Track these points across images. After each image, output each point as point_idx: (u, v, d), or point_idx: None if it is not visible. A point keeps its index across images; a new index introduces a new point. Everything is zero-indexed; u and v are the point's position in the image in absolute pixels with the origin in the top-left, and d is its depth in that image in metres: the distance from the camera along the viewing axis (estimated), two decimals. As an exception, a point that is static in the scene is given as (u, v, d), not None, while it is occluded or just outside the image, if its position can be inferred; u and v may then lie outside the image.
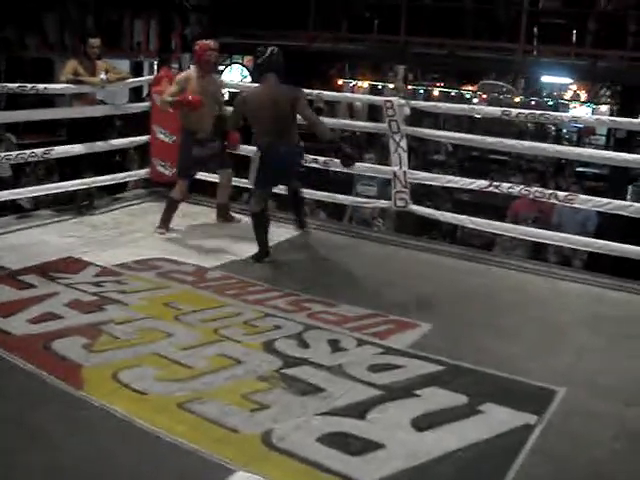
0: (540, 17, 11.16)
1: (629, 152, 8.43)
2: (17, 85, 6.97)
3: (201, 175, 7.91)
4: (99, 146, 7.62)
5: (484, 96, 16.45)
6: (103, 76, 7.29)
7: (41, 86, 6.98)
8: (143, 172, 8.18)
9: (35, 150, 7.13)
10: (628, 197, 11.13)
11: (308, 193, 7.42)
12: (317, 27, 11.81)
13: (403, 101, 6.77)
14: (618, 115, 11.48)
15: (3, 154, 7.40)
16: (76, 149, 7.23)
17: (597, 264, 7.19)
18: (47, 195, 7.36)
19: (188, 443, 3.41)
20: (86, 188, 7.37)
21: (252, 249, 6.21)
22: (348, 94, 14.51)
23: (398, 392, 3.98)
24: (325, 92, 8.40)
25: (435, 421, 3.70)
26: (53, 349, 4.29)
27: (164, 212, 6.89)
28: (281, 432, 3.53)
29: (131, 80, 8.57)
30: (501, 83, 15.31)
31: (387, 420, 3.70)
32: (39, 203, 7.49)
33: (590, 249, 6.70)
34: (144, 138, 8.11)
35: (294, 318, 4.96)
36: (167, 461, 3.32)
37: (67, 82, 7.12)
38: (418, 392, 4.00)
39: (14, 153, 7.11)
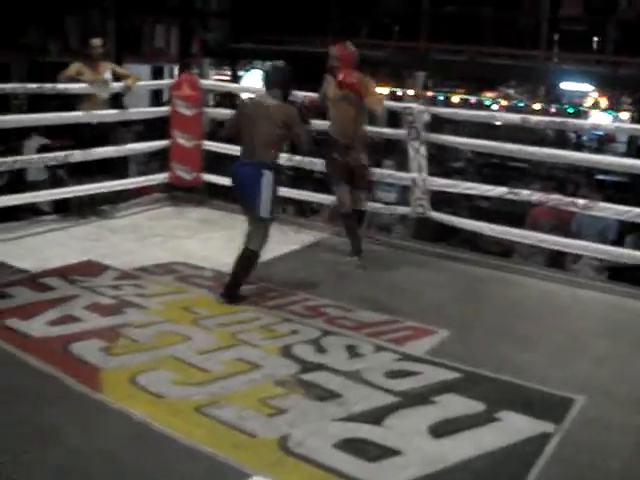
0: (561, 24, 11.12)
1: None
2: (36, 85, 7.01)
3: (220, 179, 7.97)
4: (121, 150, 7.68)
5: (504, 103, 16.40)
6: (108, 75, 7.31)
7: (61, 86, 7.02)
8: (163, 176, 8.21)
9: (56, 154, 7.19)
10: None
11: (326, 199, 7.44)
12: (337, 33, 11.81)
13: (423, 107, 6.76)
14: (638, 122, 11.43)
15: (24, 157, 7.46)
16: (96, 153, 7.27)
17: (618, 273, 7.13)
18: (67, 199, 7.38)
19: (205, 447, 3.42)
20: (93, 194, 7.37)
21: (271, 254, 6.23)
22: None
23: (415, 399, 3.97)
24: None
25: (452, 428, 3.69)
26: (72, 351, 4.32)
27: (349, 237, 6.44)
28: (298, 437, 3.53)
29: (152, 83, 8.62)
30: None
31: (404, 427, 3.69)
32: (59, 206, 7.53)
33: (608, 257, 6.66)
34: (164, 142, 8.14)
35: (312, 323, 4.97)
36: (183, 465, 3.33)
37: (63, 82, 7.10)
38: (435, 399, 3.99)
39: (35, 156, 7.17)
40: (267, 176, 5.25)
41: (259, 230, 5.36)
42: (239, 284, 5.38)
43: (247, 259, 5.36)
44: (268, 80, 5.53)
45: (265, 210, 5.27)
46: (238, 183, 5.45)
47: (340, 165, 6.29)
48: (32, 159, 7.36)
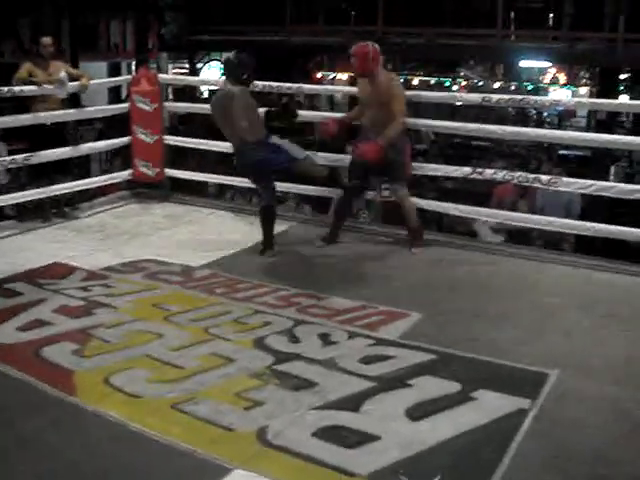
0: (517, 2, 11.17)
1: (610, 133, 8.49)
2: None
3: (184, 174, 7.95)
4: (83, 149, 7.60)
5: (464, 84, 16.47)
6: (63, 74, 7.20)
7: (17, 89, 6.91)
8: (126, 173, 8.14)
9: (15, 157, 7.09)
10: (611, 178, 11.19)
11: (292, 187, 7.43)
12: (294, 21, 11.78)
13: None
14: (597, 97, 11.53)
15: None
16: (57, 153, 7.18)
17: (585, 246, 7.21)
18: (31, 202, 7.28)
19: (183, 444, 3.40)
20: (57, 194, 7.28)
21: (238, 246, 6.21)
22: (328, 86, 14.51)
23: (391, 383, 3.98)
24: (305, 85, 8.40)
25: (429, 410, 3.70)
26: (43, 356, 4.26)
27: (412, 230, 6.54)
28: (276, 428, 3.52)
29: (110, 80, 8.53)
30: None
31: (381, 411, 3.70)
32: (22, 210, 7.43)
33: (576, 232, 6.72)
34: (125, 139, 8.07)
35: (284, 314, 4.95)
36: (163, 463, 3.31)
37: (18, 84, 6.98)
38: (411, 382, 4.00)
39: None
40: (272, 139, 6.07)
41: (306, 168, 6.23)
42: (268, 238, 6.21)
43: (263, 213, 6.23)
44: (225, 70, 6.13)
45: (296, 153, 6.11)
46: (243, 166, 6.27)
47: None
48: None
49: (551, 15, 10.87)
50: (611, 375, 4.16)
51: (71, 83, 7.33)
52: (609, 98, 9.29)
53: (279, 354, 4.31)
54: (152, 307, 5.06)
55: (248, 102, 5.98)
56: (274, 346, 4.42)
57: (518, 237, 7.26)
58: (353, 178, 6.49)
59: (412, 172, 6.65)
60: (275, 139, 6.06)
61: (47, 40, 7.31)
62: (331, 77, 16.85)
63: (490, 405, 3.76)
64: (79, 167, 8.51)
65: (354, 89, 6.69)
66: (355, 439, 3.44)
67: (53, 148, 7.12)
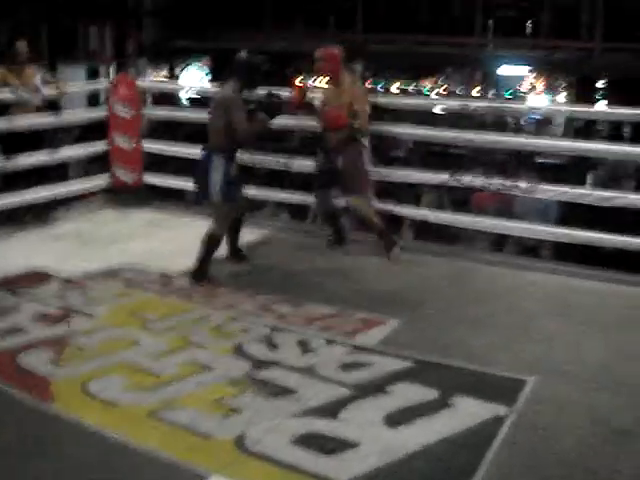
0: (495, 10, 11.25)
1: (587, 141, 8.54)
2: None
3: (162, 180, 7.92)
4: (61, 155, 7.56)
5: (442, 91, 16.51)
6: (37, 81, 7.16)
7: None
8: (104, 179, 8.09)
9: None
10: (588, 185, 11.24)
11: (270, 195, 7.42)
12: (273, 27, 11.78)
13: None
14: (574, 104, 11.62)
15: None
16: (34, 159, 7.13)
17: (564, 253, 7.24)
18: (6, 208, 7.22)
19: (161, 452, 3.39)
20: (33, 200, 7.23)
21: (216, 253, 6.19)
22: (308, 93, 14.48)
23: (369, 390, 3.98)
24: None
25: (407, 417, 3.70)
26: (19, 364, 4.23)
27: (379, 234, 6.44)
28: (254, 436, 3.51)
29: (88, 85, 8.48)
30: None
31: (360, 418, 3.70)
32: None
33: (554, 238, 6.76)
34: (103, 145, 8.02)
35: (262, 321, 4.94)
36: (140, 472, 3.29)
37: None
38: (389, 389, 4.00)
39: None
40: (216, 161, 5.61)
41: (217, 214, 5.77)
42: (202, 265, 5.72)
43: (207, 242, 5.73)
44: (229, 71, 5.86)
45: (218, 193, 5.62)
46: (194, 171, 5.84)
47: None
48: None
49: (529, 24, 10.96)
50: (589, 381, 4.18)
51: (48, 90, 7.28)
52: (586, 105, 9.36)
53: (257, 361, 4.30)
54: (129, 314, 5.04)
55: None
56: (252, 353, 4.41)
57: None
58: (319, 186, 6.56)
59: (370, 186, 6.54)
60: (214, 164, 5.64)
61: (22, 45, 7.25)
62: (310, 83, 16.84)
63: (467, 412, 3.77)
64: (56, 171, 8.45)
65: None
66: (334, 446, 3.44)
67: (28, 153, 7.06)
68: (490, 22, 11.03)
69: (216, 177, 5.61)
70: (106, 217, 7.71)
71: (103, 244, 6.69)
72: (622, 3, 9.62)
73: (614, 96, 13.14)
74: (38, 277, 5.72)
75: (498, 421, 3.67)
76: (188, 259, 6.10)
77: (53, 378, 4.08)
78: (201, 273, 5.72)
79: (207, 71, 15.59)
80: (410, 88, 16.98)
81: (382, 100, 7.70)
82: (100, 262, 6.10)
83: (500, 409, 3.78)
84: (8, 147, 7.11)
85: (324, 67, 6.40)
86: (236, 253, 6.23)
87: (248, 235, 6.76)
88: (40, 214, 7.37)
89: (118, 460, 3.37)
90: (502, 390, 4.03)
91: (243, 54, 5.84)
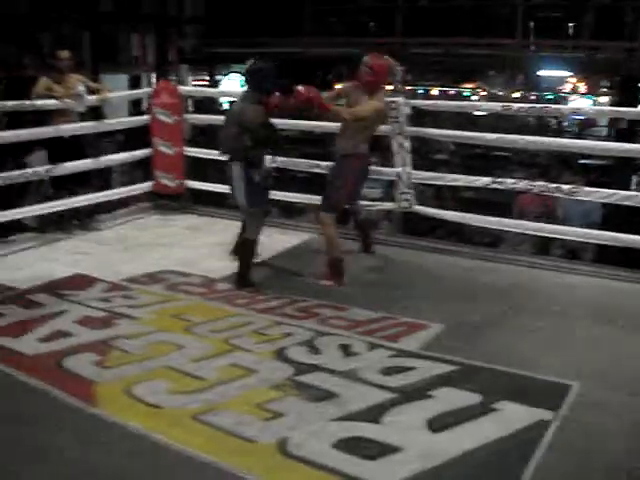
0: (536, 11, 11.15)
1: (631, 142, 8.43)
2: (15, 102, 6.96)
3: (204, 185, 7.97)
4: (104, 161, 7.65)
5: (483, 93, 16.44)
6: (81, 88, 7.24)
7: (39, 102, 6.97)
8: (147, 185, 8.18)
9: (37, 168, 7.14)
10: (633, 187, 11.10)
11: (312, 198, 7.42)
12: (313, 33, 11.81)
13: (405, 101, 6.75)
14: (618, 106, 11.46)
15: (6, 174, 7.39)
16: (79, 166, 7.24)
17: (606, 256, 7.16)
18: (52, 214, 7.32)
19: (204, 455, 3.41)
20: (78, 206, 7.34)
21: (258, 257, 6.20)
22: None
23: (412, 394, 3.97)
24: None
25: (450, 421, 3.68)
26: (65, 367, 4.28)
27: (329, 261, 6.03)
28: (297, 440, 3.52)
29: (130, 92, 8.58)
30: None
31: (402, 423, 3.69)
32: (44, 222, 7.48)
33: (597, 241, 6.68)
34: (146, 151, 8.12)
35: (304, 325, 4.95)
36: (183, 474, 3.32)
37: (37, 99, 7.01)
38: (432, 393, 3.99)
39: (16, 172, 7.10)
40: (236, 170, 5.63)
41: (249, 219, 5.81)
42: (244, 271, 5.76)
43: (243, 246, 5.84)
44: (245, 82, 5.93)
45: (243, 200, 5.69)
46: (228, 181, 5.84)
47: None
48: (12, 175, 7.26)
49: (571, 24, 10.84)
50: (632, 386, 4.13)
51: (91, 97, 7.39)
52: (629, 107, 9.23)
53: (300, 365, 4.31)
54: (173, 318, 5.08)
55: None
56: (295, 357, 4.42)
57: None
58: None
59: (343, 206, 6.23)
60: (235, 173, 5.67)
61: (64, 54, 7.35)
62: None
63: (512, 417, 3.74)
64: (100, 179, 8.56)
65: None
66: (376, 450, 3.43)
67: (72, 161, 7.16)
68: (531, 24, 10.91)
69: (239, 185, 5.64)
70: (149, 222, 7.79)
71: (146, 249, 6.76)
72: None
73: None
74: (83, 281, 5.79)
75: (543, 426, 3.64)
76: (230, 262, 6.15)
77: (97, 381, 4.12)
78: (243, 278, 5.74)
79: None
80: (452, 91, 16.95)
81: (425, 103, 7.67)
82: (144, 266, 6.16)
83: (545, 414, 3.75)
84: (53, 155, 7.22)
85: (369, 77, 5.95)
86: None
87: (291, 239, 6.80)
88: (85, 220, 7.46)
89: (162, 462, 3.40)
90: (546, 395, 3.99)
91: (250, 62, 5.84)
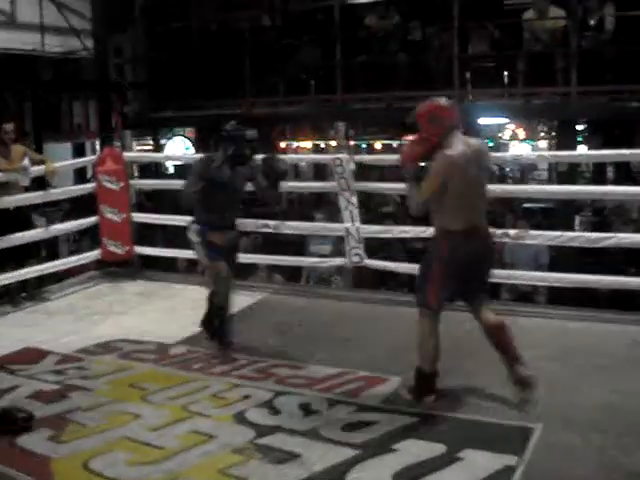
0: (471, 62, 11.41)
1: (572, 184, 8.62)
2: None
3: (154, 251, 7.91)
4: (52, 231, 7.59)
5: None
6: (26, 162, 7.20)
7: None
8: (95, 253, 8.10)
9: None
10: (576, 228, 11.32)
11: (263, 258, 7.43)
12: (255, 93, 11.90)
13: (350, 157, 6.82)
14: (556, 149, 11.73)
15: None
16: (26, 237, 7.16)
17: (560, 297, 7.26)
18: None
19: (168, 527, 3.33)
20: (24, 279, 7.25)
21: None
22: (294, 155, 14.61)
23: (375, 449, 3.94)
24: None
25: (416, 474, 3.66)
26: (19, 445, 4.16)
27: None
28: (262, 504, 3.46)
29: (75, 161, 8.56)
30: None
31: (368, 479, 3.65)
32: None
33: (546, 283, 6.78)
34: (93, 219, 8.05)
35: (263, 386, 4.91)
36: None
37: None
38: (395, 446, 3.96)
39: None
40: (192, 228, 5.63)
41: (208, 275, 5.81)
42: (211, 324, 5.75)
43: (210, 301, 5.82)
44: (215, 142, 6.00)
45: (201, 257, 5.69)
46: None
47: None
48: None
49: (505, 73, 11.09)
50: (594, 424, 4.15)
51: (35, 168, 7.33)
52: (568, 149, 9.46)
53: (260, 427, 4.25)
54: (128, 387, 4.99)
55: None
56: (255, 420, 4.36)
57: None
58: None
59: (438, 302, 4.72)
60: (191, 232, 5.67)
61: (9, 127, 7.30)
62: (294, 146, 16.98)
63: (477, 464, 3.73)
64: (47, 249, 8.46)
65: (323, 157, 6.64)
66: (343, 510, 3.39)
67: (18, 232, 7.08)
68: (467, 74, 11.15)
69: (195, 240, 5.62)
70: (100, 290, 7.69)
71: (98, 317, 6.66)
72: (595, 47, 9.79)
73: (594, 138, 13.33)
74: (34, 354, 5.67)
75: (509, 471, 3.64)
76: (184, 328, 6.09)
77: (53, 457, 4.01)
78: (212, 330, 5.74)
79: (192, 140, 15.73)
80: (394, 144, 17.18)
81: (369, 158, 7.78)
82: (96, 336, 6.07)
83: (510, 459, 3.74)
84: None
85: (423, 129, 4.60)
86: None
87: (243, 299, 6.76)
88: (33, 291, 7.35)
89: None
90: (509, 440, 4.00)
91: (229, 126, 5.67)
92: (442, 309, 4.65)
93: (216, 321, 5.72)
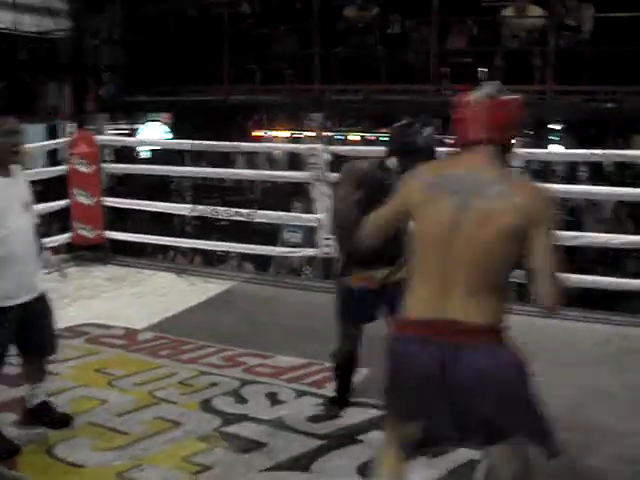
0: (449, 57, 11.43)
1: (545, 182, 8.66)
2: None
3: (124, 236, 7.87)
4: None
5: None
6: None
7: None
8: (65, 237, 8.03)
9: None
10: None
11: (233, 246, 7.42)
12: (232, 80, 11.85)
13: (324, 147, 6.82)
14: (530, 147, 11.81)
15: None
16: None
17: (527, 294, 7.30)
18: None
19: (130, 513, 3.32)
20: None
21: (181, 306, 6.11)
22: (269, 144, 14.57)
23: (341, 440, 3.95)
24: (244, 143, 8.45)
25: (380, 466, 3.66)
26: (-19, 428, 4.12)
27: None
28: (226, 493, 3.46)
29: (48, 143, 8.46)
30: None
31: (333, 470, 3.67)
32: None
33: (516, 280, 6.81)
34: (63, 202, 7.98)
35: (230, 374, 4.90)
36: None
37: None
38: (361, 437, 3.97)
39: None
40: None
41: None
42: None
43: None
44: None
45: None
46: None
47: None
48: None
49: (483, 70, 11.12)
50: (559, 422, 4.18)
51: None
52: (541, 148, 9.54)
53: (226, 415, 4.25)
54: (95, 372, 4.97)
55: None
56: (221, 407, 4.37)
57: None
58: None
59: None
60: None
61: None
62: (270, 135, 16.92)
63: (443, 457, 3.74)
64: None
65: (299, 146, 6.61)
66: (307, 500, 3.39)
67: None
68: (445, 70, 11.17)
69: None
70: (69, 274, 7.59)
71: (66, 301, 6.59)
72: (573, 47, 9.84)
73: (569, 138, 13.42)
74: None
75: (474, 463, 3.66)
76: (153, 313, 6.07)
77: (17, 442, 3.97)
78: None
79: (167, 126, 15.64)
80: (369, 136, 17.19)
81: (343, 149, 7.77)
82: (64, 320, 5.99)
83: (474, 453, 3.75)
84: None
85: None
86: None
87: (213, 287, 6.75)
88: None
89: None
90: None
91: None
92: None
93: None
